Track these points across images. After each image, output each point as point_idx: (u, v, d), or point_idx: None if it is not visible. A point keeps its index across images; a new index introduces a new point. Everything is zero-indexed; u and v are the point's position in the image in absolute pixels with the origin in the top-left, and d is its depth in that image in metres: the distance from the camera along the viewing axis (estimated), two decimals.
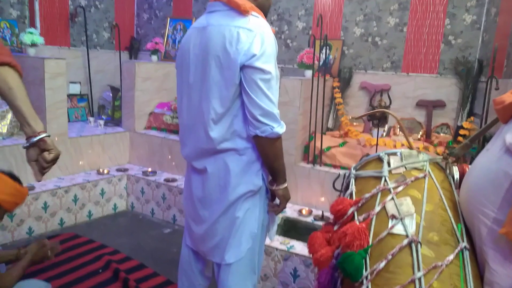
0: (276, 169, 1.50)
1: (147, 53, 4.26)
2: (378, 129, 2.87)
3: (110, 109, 4.32)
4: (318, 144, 3.00)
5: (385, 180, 1.25)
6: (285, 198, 1.55)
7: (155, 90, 3.92)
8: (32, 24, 3.94)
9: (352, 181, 1.38)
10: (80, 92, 4.28)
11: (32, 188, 2.97)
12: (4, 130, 3.19)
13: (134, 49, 4.75)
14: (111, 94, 4.32)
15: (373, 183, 1.29)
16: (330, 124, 3.54)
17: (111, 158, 3.72)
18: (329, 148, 2.99)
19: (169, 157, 3.58)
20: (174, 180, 3.38)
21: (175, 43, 4.36)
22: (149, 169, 3.59)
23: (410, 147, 1.43)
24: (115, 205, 3.51)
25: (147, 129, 3.87)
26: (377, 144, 2.76)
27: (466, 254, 1.09)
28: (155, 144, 3.67)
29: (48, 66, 3.17)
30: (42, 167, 1.19)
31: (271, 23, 3.83)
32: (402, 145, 2.83)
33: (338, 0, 3.61)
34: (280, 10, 3.90)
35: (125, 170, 3.62)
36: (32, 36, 3.49)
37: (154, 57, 4.08)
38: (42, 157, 1.18)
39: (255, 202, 1.51)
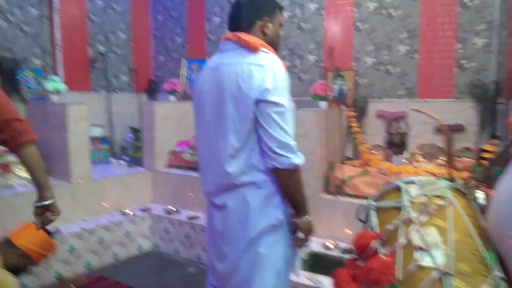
0: (298, 201, 1.50)
1: (165, 93, 4.39)
2: (398, 157, 2.85)
3: (132, 149, 4.42)
4: (338, 174, 2.98)
5: (407, 210, 1.24)
6: (309, 231, 1.54)
7: (174, 129, 4.01)
8: (55, 72, 4.13)
9: (372, 213, 1.37)
10: (102, 134, 4.40)
11: (58, 231, 3.01)
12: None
13: (152, 90, 4.90)
14: (132, 135, 4.43)
15: (394, 214, 1.27)
16: (349, 154, 3.53)
17: (134, 198, 3.77)
18: (350, 178, 2.97)
19: (191, 194, 3.61)
20: (196, 217, 3.39)
21: (191, 83, 4.49)
22: (172, 208, 3.61)
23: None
24: (140, 245, 3.52)
25: (168, 168, 3.93)
26: (398, 172, 2.73)
27: (503, 285, 1.05)
28: (177, 182, 3.71)
29: (71, 112, 3.29)
30: (44, 223, 1.56)
31: (282, 57, 3.93)
32: (426, 172, 2.79)
33: (347, 32, 3.69)
34: (291, 45, 4.00)
35: (148, 209, 3.65)
36: (55, 83, 3.65)
37: (172, 97, 4.21)
38: (46, 217, 1.58)
39: (277, 237, 1.50)
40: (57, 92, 3.65)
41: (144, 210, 3.64)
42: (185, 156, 3.81)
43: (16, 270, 1.97)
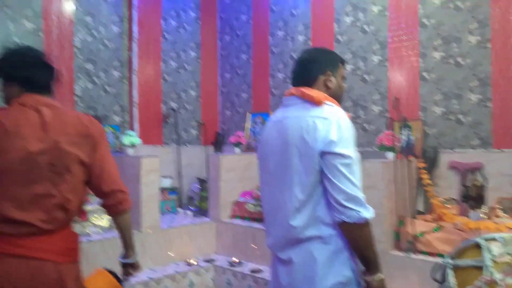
0: (368, 258, 1.42)
1: (230, 146, 4.56)
2: (476, 211, 2.63)
3: (198, 200, 4.56)
4: (409, 229, 2.81)
5: (489, 271, 1.13)
6: None
7: (238, 180, 4.09)
8: (131, 127, 4.48)
9: (450, 272, 1.26)
10: (171, 185, 4.61)
11: (126, 280, 3.12)
12: (105, 224, 3.49)
13: (218, 143, 5.11)
14: (198, 186, 4.59)
15: (474, 274, 1.17)
16: (420, 207, 3.33)
17: (199, 248, 3.83)
18: (422, 233, 2.78)
19: (254, 246, 3.58)
20: (259, 271, 3.33)
21: (255, 135, 4.63)
22: (235, 259, 3.60)
23: None
24: None
25: (231, 218, 3.97)
26: (477, 228, 2.51)
27: None
28: (240, 233, 3.72)
29: (144, 164, 3.51)
30: (126, 276, 1.81)
31: (346, 109, 3.93)
32: (508, 228, 2.53)
33: (413, 82, 3.63)
34: (354, 97, 4.00)
35: (212, 260, 3.67)
36: (131, 138, 3.96)
37: (237, 149, 4.35)
38: (128, 270, 1.82)
39: None
40: (133, 145, 3.95)
41: (208, 260, 3.66)
42: (248, 206, 3.84)
43: None
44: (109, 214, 1.73)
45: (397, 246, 2.88)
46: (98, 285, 2.09)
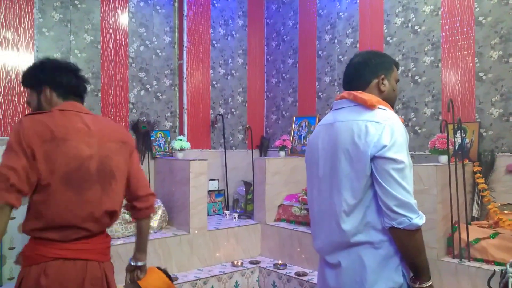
0: (418, 265, 1.38)
1: (275, 150, 4.58)
2: None
3: (244, 202, 4.62)
4: (463, 235, 2.68)
5: None
6: None
7: (284, 183, 4.11)
8: (181, 132, 4.64)
9: (511, 280, 1.20)
10: (218, 188, 4.71)
11: (175, 279, 3.22)
12: (155, 225, 3.64)
13: (264, 147, 5.16)
14: (244, 189, 4.66)
15: None
16: (475, 213, 3.16)
17: (244, 250, 3.88)
18: (477, 240, 2.64)
19: (299, 249, 3.57)
20: (305, 274, 3.32)
21: (300, 139, 4.62)
22: (280, 262, 3.61)
23: None
24: None
25: (276, 221, 3.99)
26: None
27: None
28: (285, 236, 3.73)
29: (193, 167, 3.62)
30: (133, 279, 1.77)
31: (396, 112, 3.82)
32: None
33: (469, 84, 3.47)
34: (404, 99, 3.89)
35: (257, 262, 3.71)
36: (181, 142, 4.10)
37: (282, 153, 4.36)
38: (136, 274, 1.78)
39: None
40: (182, 149, 4.09)
41: (253, 262, 3.70)
42: (293, 210, 3.84)
43: None
44: (136, 217, 1.75)
45: (450, 253, 2.76)
46: (151, 284, 2.19)
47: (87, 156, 1.49)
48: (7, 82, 3.46)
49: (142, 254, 1.79)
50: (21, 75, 1.66)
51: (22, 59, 3.54)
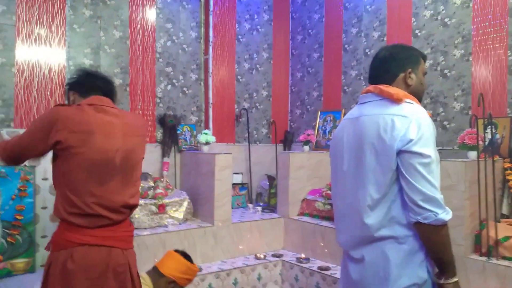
0: (444, 261, 1.37)
1: (299, 144, 4.58)
2: None
3: (267, 196, 4.65)
4: (492, 233, 2.61)
5: None
6: None
7: (307, 178, 4.10)
8: (207, 126, 4.70)
9: None
10: (242, 181, 4.75)
11: (200, 269, 3.29)
12: (181, 216, 3.71)
13: (287, 141, 5.16)
14: (267, 183, 4.68)
15: None
16: (504, 210, 3.07)
17: (267, 243, 3.90)
18: (507, 238, 2.57)
19: (322, 244, 3.57)
20: (327, 268, 3.31)
21: (325, 134, 4.59)
22: (303, 255, 3.62)
23: None
24: None
25: (300, 215, 3.99)
26: None
27: None
28: (308, 231, 3.73)
29: (218, 160, 3.67)
30: None
31: (424, 106, 3.74)
32: None
33: (501, 77, 3.36)
34: (433, 93, 3.80)
35: (280, 255, 3.73)
36: (206, 136, 4.16)
37: (306, 147, 4.35)
38: None
39: None
40: (208, 143, 4.14)
41: (276, 255, 3.72)
42: (317, 204, 3.83)
43: None
44: None
45: (477, 250, 2.69)
46: (171, 268, 2.25)
47: (112, 149, 1.56)
48: (40, 77, 3.60)
49: None
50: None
51: (54, 55, 3.67)
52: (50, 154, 1.60)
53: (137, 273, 1.69)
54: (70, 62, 3.78)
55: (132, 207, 1.67)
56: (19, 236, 2.87)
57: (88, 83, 1.70)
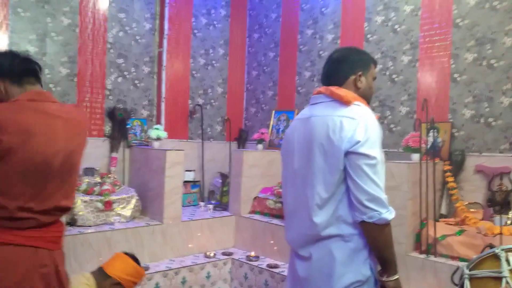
0: (386, 259, 1.42)
1: (253, 142, 4.59)
2: (501, 217, 2.56)
3: (219, 194, 4.62)
4: (431, 232, 2.76)
5: (508, 282, 1.10)
6: None
7: (260, 176, 4.12)
8: (158, 121, 4.58)
9: (467, 282, 1.24)
10: (194, 179, 4.69)
11: (146, 268, 3.19)
12: (128, 214, 3.58)
13: (242, 139, 5.15)
14: (220, 180, 4.65)
15: (492, 285, 1.15)
16: (443, 210, 3.26)
17: (218, 241, 3.88)
18: (444, 236, 2.72)
19: (272, 242, 3.60)
20: (276, 266, 3.35)
21: (278, 133, 4.64)
22: (253, 253, 3.63)
23: None
24: None
25: (251, 214, 4.00)
26: (501, 233, 2.44)
27: None
28: (258, 229, 3.75)
29: (169, 157, 3.59)
30: None
31: (372, 109, 3.87)
32: None
33: (444, 84, 3.55)
34: (381, 97, 3.95)
35: (230, 254, 3.72)
36: (157, 131, 4.05)
37: (260, 146, 4.37)
38: None
39: None
40: (159, 139, 4.03)
41: (226, 254, 3.71)
42: (268, 203, 3.86)
43: None
44: None
45: (417, 248, 2.84)
46: (117, 269, 2.18)
47: (52, 153, 1.47)
48: None
49: None
50: None
51: None
52: None
53: (66, 273, 1.60)
54: (13, 49, 3.51)
55: (66, 209, 1.58)
56: None
57: (20, 67, 1.54)
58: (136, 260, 2.33)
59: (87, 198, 3.34)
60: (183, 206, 3.83)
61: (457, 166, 3.31)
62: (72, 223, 3.24)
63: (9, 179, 1.40)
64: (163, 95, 4.59)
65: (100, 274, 2.18)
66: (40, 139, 1.43)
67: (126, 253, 2.34)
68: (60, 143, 1.49)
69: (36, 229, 1.47)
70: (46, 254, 1.50)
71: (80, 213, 3.26)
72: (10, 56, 1.56)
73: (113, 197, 3.48)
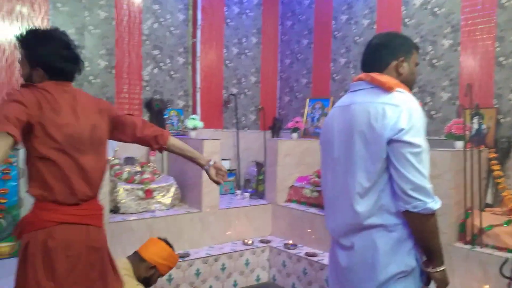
0: (432, 249, 1.39)
1: (287, 131, 4.57)
2: None
3: (255, 182, 4.65)
4: (476, 222, 2.67)
5: None
6: (443, 283, 1.41)
7: (295, 165, 4.11)
8: (194, 111, 4.64)
9: None
10: (230, 167, 4.74)
11: (187, 255, 3.28)
12: (168, 202, 3.69)
13: (276, 128, 5.15)
14: (255, 169, 4.68)
15: None
16: (489, 200, 3.14)
17: (255, 229, 3.92)
18: (490, 227, 2.63)
19: (309, 230, 3.60)
20: (314, 255, 3.35)
21: (313, 121, 4.59)
22: (290, 242, 3.65)
23: None
24: (258, 276, 3.61)
25: (287, 202, 4.01)
26: None
27: None
28: (295, 217, 3.75)
29: (206, 146, 3.64)
30: (222, 175, 1.89)
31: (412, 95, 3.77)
32: None
33: (488, 68, 3.39)
34: (421, 83, 3.82)
35: (268, 241, 3.75)
36: (194, 121, 4.11)
37: (294, 135, 4.35)
38: (220, 169, 1.89)
39: (408, 285, 1.40)
40: (195, 128, 4.10)
41: (264, 241, 3.74)
42: (304, 192, 3.85)
43: (146, 282, 2.23)
44: (162, 143, 1.82)
45: (462, 238, 2.76)
46: (153, 253, 2.25)
47: (78, 126, 1.56)
48: None
49: (203, 157, 1.91)
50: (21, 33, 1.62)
51: None
52: None
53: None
54: None
55: (102, 180, 1.68)
56: (3, 219, 2.82)
57: (68, 73, 1.62)
58: (170, 245, 2.39)
59: (128, 186, 3.46)
60: (220, 195, 3.89)
61: (504, 154, 3.17)
62: (115, 210, 3.38)
63: (50, 154, 1.49)
64: (198, 85, 4.64)
65: (136, 258, 2.25)
66: (65, 115, 1.53)
67: (160, 239, 2.41)
68: (81, 118, 1.58)
69: (83, 206, 1.56)
70: (96, 231, 1.60)
71: (123, 201, 3.38)
72: (73, 60, 1.62)
73: (153, 186, 3.58)
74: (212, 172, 1.87)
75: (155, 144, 1.81)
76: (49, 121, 1.48)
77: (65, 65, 1.59)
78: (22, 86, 1.54)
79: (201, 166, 1.89)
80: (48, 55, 1.56)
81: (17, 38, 1.61)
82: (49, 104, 1.50)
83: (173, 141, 1.86)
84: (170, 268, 2.36)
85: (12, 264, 2.65)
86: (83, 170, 1.54)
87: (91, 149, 1.60)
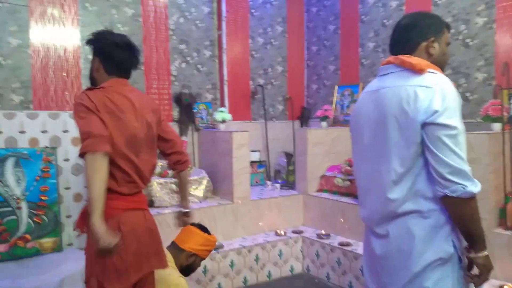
0: (473, 234, 1.34)
1: (316, 120, 4.52)
2: None
3: (285, 173, 4.65)
4: None
5: None
6: (487, 268, 1.36)
7: (325, 154, 4.07)
8: (222, 104, 4.67)
9: None
10: (259, 159, 4.75)
11: (221, 246, 3.33)
12: (201, 194, 3.74)
13: (305, 117, 5.10)
14: (285, 160, 4.67)
15: None
16: None
17: (287, 219, 3.93)
18: None
19: (342, 220, 3.57)
20: (348, 244, 3.32)
21: (343, 108, 4.52)
22: (323, 232, 3.63)
23: None
24: (291, 266, 3.62)
25: (318, 192, 3.99)
26: None
27: None
28: (327, 207, 3.73)
29: (235, 138, 3.66)
30: (181, 224, 2.15)
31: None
32: None
33: None
34: (454, 64, 3.67)
35: (300, 232, 3.75)
36: (222, 114, 4.14)
37: (324, 123, 4.30)
38: (184, 220, 2.13)
39: (446, 272, 1.36)
40: (224, 121, 4.12)
41: (296, 232, 3.74)
42: (336, 181, 3.81)
43: (187, 270, 2.29)
44: (180, 169, 2.06)
45: (502, 224, 2.65)
46: (190, 242, 2.31)
47: (138, 126, 1.77)
48: (56, 58, 3.60)
49: (186, 202, 2.14)
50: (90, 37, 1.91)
51: (68, 35, 3.66)
52: None
53: None
54: (84, 42, 3.75)
55: (152, 174, 1.91)
56: (44, 216, 2.95)
57: (124, 69, 1.86)
58: (204, 229, 2.42)
59: (162, 180, 3.53)
60: (251, 186, 3.92)
61: None
62: (150, 204, 3.46)
63: (118, 151, 1.67)
64: (225, 77, 4.65)
65: (175, 248, 2.30)
66: (127, 116, 1.73)
67: (193, 224, 2.44)
68: (139, 118, 1.78)
69: (138, 195, 1.80)
70: (149, 214, 1.84)
71: (157, 194, 3.46)
72: (130, 57, 1.87)
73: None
74: (181, 217, 2.12)
75: (173, 165, 2.05)
76: (114, 121, 1.68)
77: (120, 56, 1.82)
78: (88, 89, 1.74)
79: (183, 206, 2.13)
80: (109, 45, 1.83)
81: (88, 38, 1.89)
82: (114, 105, 1.70)
83: (185, 173, 2.11)
84: (210, 251, 2.42)
85: (56, 258, 2.79)
86: (138, 168, 1.75)
87: (146, 147, 1.80)
